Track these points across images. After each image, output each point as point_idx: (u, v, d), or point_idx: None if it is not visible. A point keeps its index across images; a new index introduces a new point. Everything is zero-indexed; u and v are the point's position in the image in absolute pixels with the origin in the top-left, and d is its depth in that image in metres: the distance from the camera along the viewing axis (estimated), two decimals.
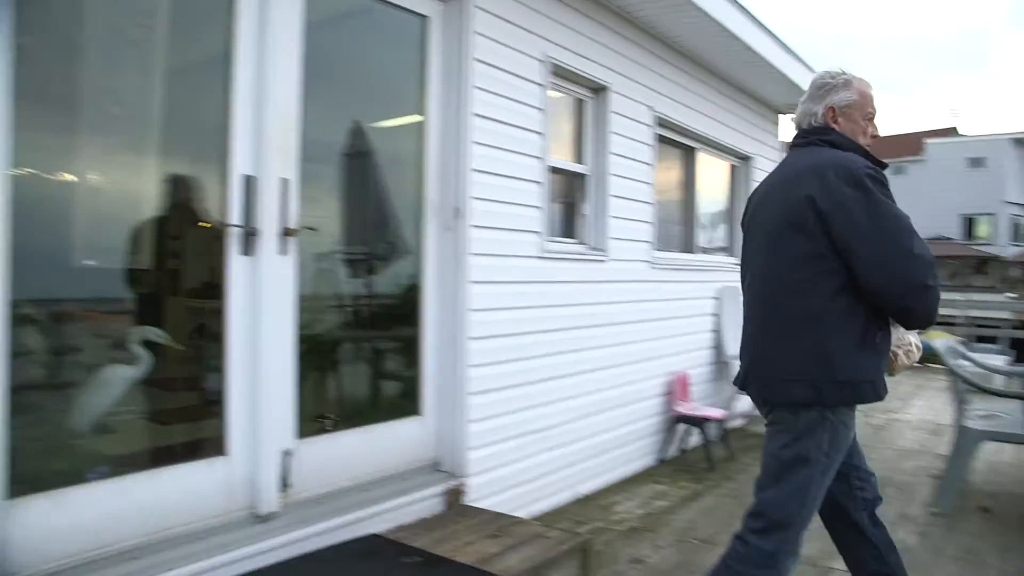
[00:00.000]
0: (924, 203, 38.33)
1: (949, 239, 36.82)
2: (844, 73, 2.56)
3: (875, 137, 2.56)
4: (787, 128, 8.03)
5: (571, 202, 4.84)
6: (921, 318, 2.29)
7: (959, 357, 4.92)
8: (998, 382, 5.50)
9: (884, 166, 2.40)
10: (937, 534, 4.16)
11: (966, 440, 4.41)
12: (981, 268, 32.79)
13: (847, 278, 2.27)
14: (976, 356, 5.75)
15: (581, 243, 4.79)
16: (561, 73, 4.49)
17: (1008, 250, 34.76)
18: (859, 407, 2.45)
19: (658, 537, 4.03)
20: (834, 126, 2.50)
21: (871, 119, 2.55)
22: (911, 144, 40.09)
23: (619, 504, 4.57)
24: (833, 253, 2.27)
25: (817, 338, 2.29)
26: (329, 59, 3.40)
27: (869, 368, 2.32)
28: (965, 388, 4.52)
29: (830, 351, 2.28)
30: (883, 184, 2.30)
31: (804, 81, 6.90)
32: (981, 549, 3.95)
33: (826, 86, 2.54)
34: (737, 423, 6.65)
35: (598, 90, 4.85)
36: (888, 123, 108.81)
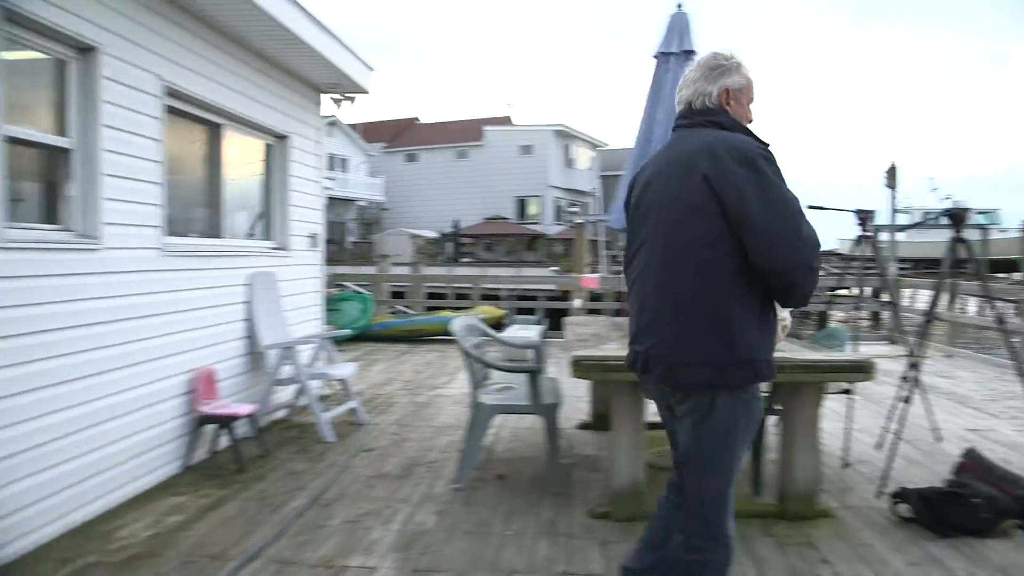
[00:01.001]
0: (484, 185, 41.78)
1: (505, 218, 40.57)
2: (735, 56, 2.53)
3: (749, 122, 2.58)
4: (329, 106, 7.88)
5: (52, 182, 4.10)
6: (801, 297, 2.35)
7: (476, 333, 5.13)
8: (530, 353, 5.86)
9: (767, 145, 2.41)
10: (455, 510, 4.27)
11: (480, 415, 4.59)
12: (531, 244, 36.52)
13: (744, 258, 2.29)
14: (511, 331, 6.13)
15: (66, 230, 4.07)
16: (28, 25, 3.74)
17: (552, 228, 39.20)
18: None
19: (162, 562, 3.57)
20: (727, 108, 2.49)
21: (752, 103, 2.58)
22: (472, 130, 43.33)
23: (124, 527, 4.00)
24: (731, 233, 2.28)
25: (720, 319, 2.31)
26: None
27: (765, 347, 2.39)
28: (478, 365, 4.70)
29: (732, 332, 2.30)
30: (774, 163, 2.32)
31: (346, 64, 6.80)
32: (491, 519, 4.13)
33: (720, 67, 2.50)
34: (278, 415, 6.36)
35: (85, 50, 4.15)
36: (453, 110, 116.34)
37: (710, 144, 2.36)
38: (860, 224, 5.80)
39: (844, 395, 5.41)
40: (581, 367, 3.87)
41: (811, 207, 7.07)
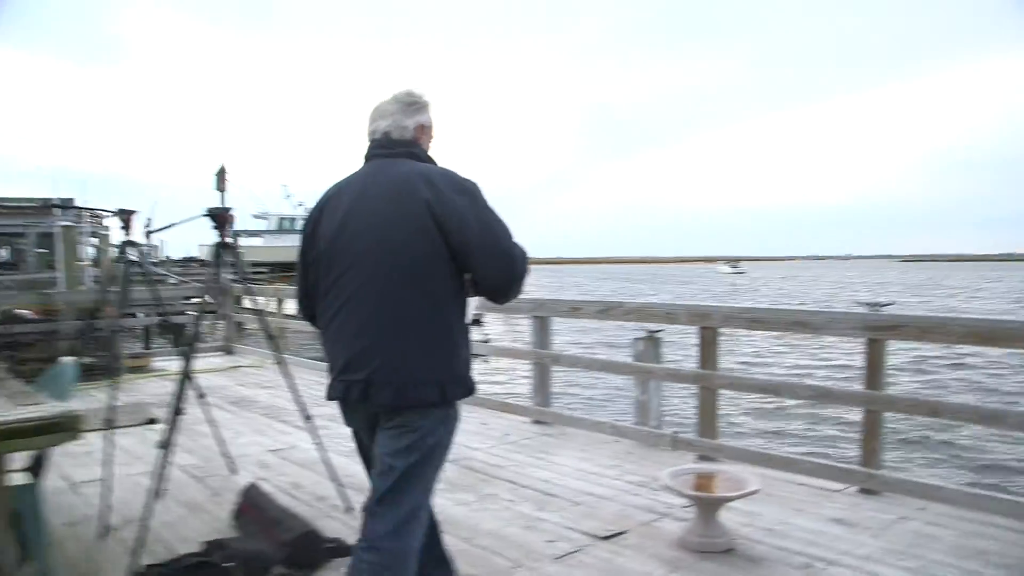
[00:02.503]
0: None
1: None
2: (425, 96, 2.66)
3: None
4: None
5: None
6: (511, 299, 2.56)
7: None
8: None
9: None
10: None
11: None
12: None
13: (460, 279, 2.47)
14: None
15: None
16: None
17: None
18: None
19: None
20: (419, 142, 2.63)
21: (431, 142, 2.70)
22: None
23: None
24: (451, 258, 2.42)
25: (444, 339, 2.45)
26: None
27: (470, 363, 2.58)
28: None
29: (454, 351, 2.48)
30: (481, 192, 2.49)
31: None
32: None
33: (415, 104, 2.63)
34: None
35: None
36: None
37: (424, 173, 2.47)
38: (124, 227, 4.81)
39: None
40: None
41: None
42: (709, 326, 5.21)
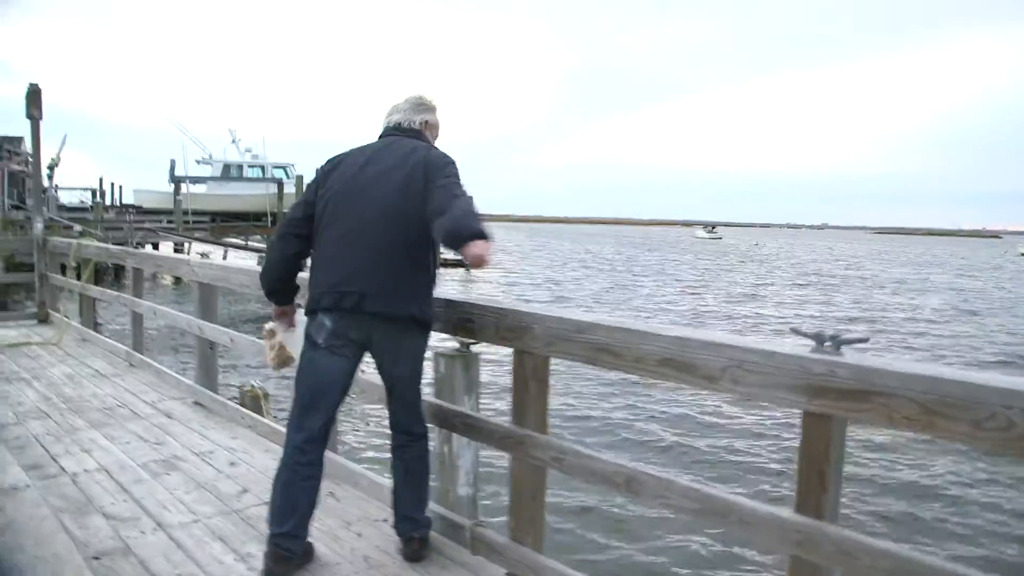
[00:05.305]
0: None
1: None
2: (434, 100, 3.35)
3: None
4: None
5: None
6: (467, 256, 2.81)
7: None
8: None
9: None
10: None
11: None
12: None
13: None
14: None
15: None
16: None
17: None
18: None
19: None
20: (423, 135, 3.25)
21: (436, 139, 3.35)
22: None
23: None
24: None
25: (421, 275, 3.05)
26: None
27: (433, 298, 3.16)
28: None
29: (426, 285, 3.09)
30: (457, 169, 3.05)
31: None
32: None
33: (423, 105, 3.31)
34: None
35: None
36: None
37: (423, 146, 3.15)
38: None
39: None
40: None
41: None
42: (529, 350, 2.80)
